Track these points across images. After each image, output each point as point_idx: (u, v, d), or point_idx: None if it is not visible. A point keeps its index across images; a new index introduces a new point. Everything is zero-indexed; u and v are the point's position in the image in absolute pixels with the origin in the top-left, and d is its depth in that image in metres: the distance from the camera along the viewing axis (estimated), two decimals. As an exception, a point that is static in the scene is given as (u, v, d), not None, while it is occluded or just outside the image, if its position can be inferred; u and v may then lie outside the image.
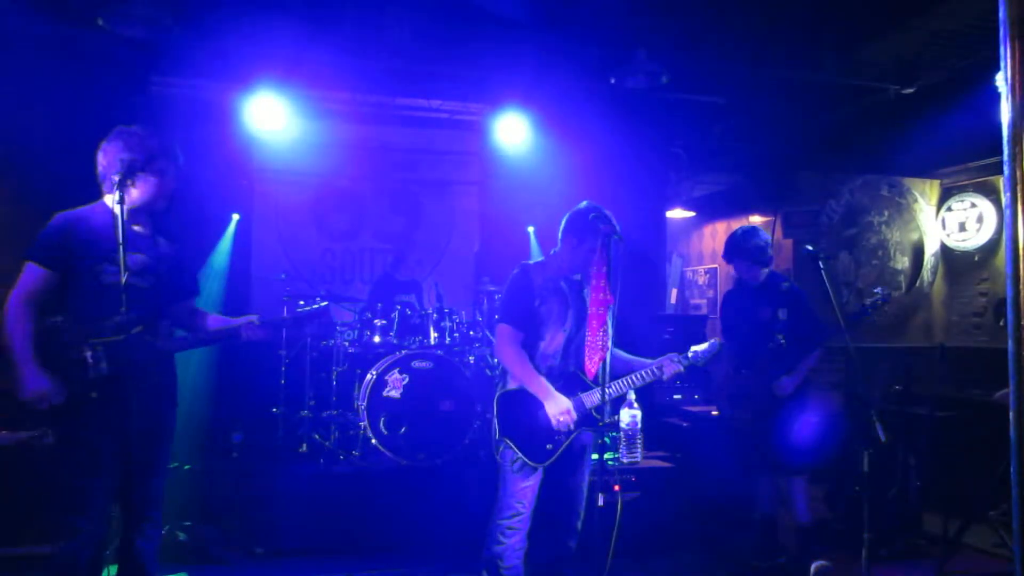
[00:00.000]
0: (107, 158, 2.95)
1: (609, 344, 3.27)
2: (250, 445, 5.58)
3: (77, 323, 2.87)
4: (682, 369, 3.55)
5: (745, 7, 5.07)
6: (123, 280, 2.68)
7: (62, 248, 2.88)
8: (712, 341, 3.65)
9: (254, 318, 3.16)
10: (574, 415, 3.38)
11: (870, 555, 3.47)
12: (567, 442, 3.42)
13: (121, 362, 2.85)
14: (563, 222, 3.55)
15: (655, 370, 3.54)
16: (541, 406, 3.39)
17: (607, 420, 3.33)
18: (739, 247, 4.45)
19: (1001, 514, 4.70)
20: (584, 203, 3.51)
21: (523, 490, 3.42)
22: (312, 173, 7.44)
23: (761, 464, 4.49)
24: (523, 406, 3.43)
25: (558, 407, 3.36)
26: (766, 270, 4.47)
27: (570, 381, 3.47)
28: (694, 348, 3.62)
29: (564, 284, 3.53)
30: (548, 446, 3.40)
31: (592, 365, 3.35)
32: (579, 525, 3.58)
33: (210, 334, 3.19)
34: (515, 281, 3.54)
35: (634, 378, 3.54)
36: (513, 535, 3.43)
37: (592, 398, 3.41)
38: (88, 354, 2.82)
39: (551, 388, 3.40)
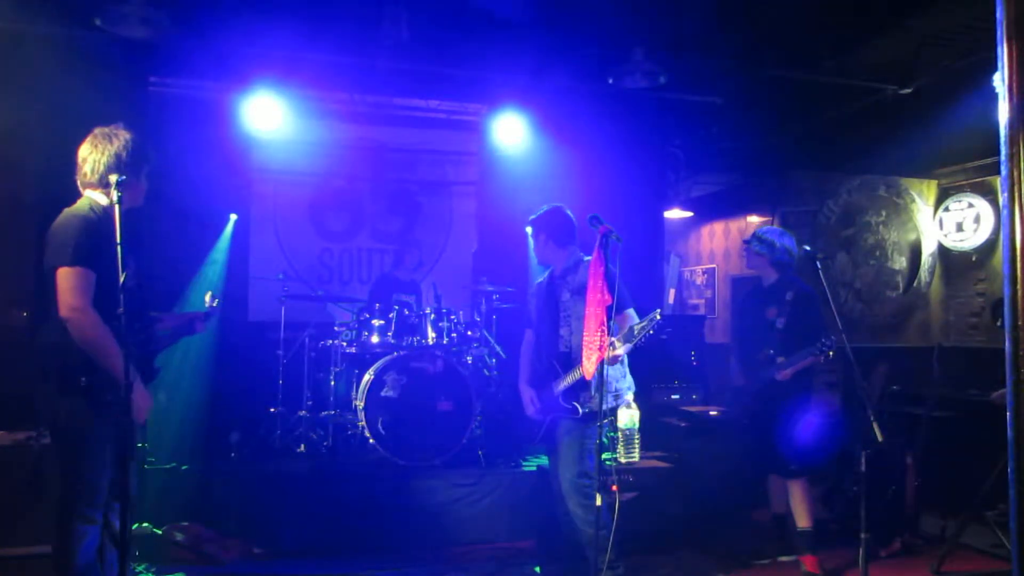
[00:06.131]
0: (106, 158, 2.98)
1: (607, 344, 3.27)
2: (248, 445, 5.56)
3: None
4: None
5: (743, 7, 5.06)
6: (122, 280, 2.68)
7: (98, 248, 2.88)
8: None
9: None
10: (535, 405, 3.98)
11: (867, 555, 3.48)
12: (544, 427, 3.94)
13: (131, 359, 2.87)
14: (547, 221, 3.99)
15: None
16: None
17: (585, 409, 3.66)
18: (770, 246, 4.45)
19: (999, 514, 4.71)
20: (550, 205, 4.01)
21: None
22: (310, 173, 7.43)
23: (765, 466, 4.50)
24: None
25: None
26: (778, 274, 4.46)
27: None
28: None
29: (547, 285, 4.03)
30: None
31: (590, 365, 3.35)
32: (574, 512, 3.78)
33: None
34: None
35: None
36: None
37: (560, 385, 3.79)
38: None
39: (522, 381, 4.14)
